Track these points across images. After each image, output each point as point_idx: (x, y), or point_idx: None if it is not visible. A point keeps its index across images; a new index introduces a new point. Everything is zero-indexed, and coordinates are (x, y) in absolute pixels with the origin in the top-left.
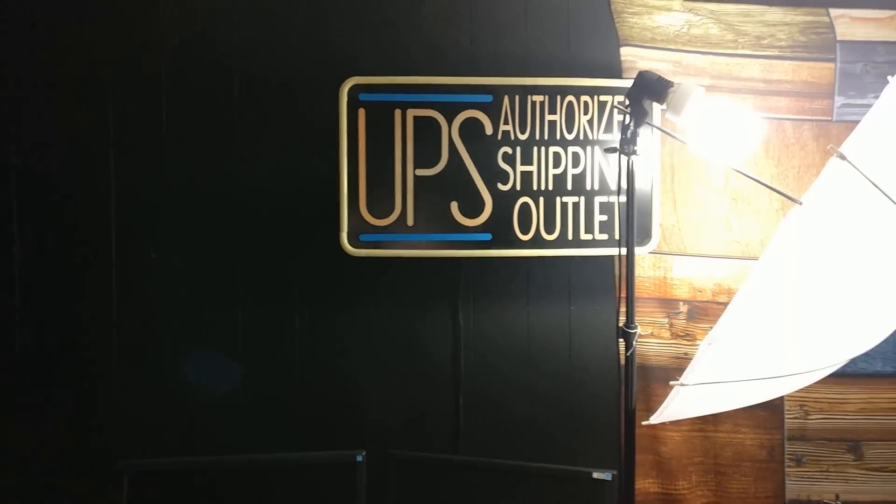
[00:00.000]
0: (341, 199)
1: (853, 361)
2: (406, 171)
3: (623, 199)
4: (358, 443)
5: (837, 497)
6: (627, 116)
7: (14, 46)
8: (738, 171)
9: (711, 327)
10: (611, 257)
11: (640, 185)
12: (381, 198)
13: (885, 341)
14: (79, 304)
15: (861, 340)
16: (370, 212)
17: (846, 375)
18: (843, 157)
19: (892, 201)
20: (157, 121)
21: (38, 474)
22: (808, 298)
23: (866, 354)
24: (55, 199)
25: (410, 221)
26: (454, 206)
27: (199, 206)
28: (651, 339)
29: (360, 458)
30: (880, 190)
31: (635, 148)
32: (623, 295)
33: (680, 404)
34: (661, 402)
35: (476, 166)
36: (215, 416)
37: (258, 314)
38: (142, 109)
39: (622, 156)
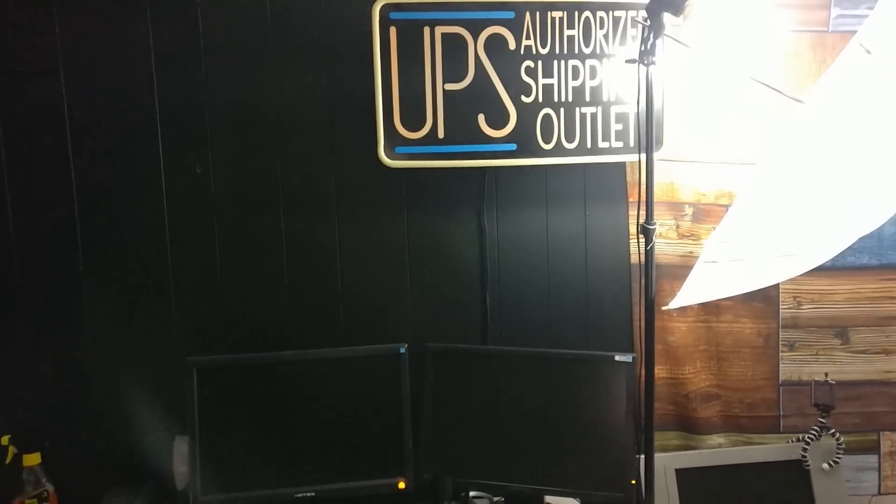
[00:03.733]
0: (377, 114)
1: (842, 255)
2: (436, 86)
3: (641, 107)
4: (397, 338)
5: (826, 375)
6: (646, 29)
7: None
8: (746, 78)
9: (714, 227)
10: (621, 164)
11: (654, 96)
12: (413, 112)
13: (870, 236)
14: (135, 218)
15: (855, 227)
16: (404, 125)
17: (836, 268)
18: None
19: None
20: (195, 37)
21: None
22: (815, 186)
23: (854, 249)
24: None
25: (441, 134)
26: (481, 118)
27: (240, 122)
28: (660, 238)
29: (402, 350)
30: (882, 81)
31: (653, 59)
32: (635, 199)
33: (695, 288)
34: (669, 297)
35: (501, 80)
36: (266, 318)
37: (300, 222)
38: (180, 25)
39: (641, 66)
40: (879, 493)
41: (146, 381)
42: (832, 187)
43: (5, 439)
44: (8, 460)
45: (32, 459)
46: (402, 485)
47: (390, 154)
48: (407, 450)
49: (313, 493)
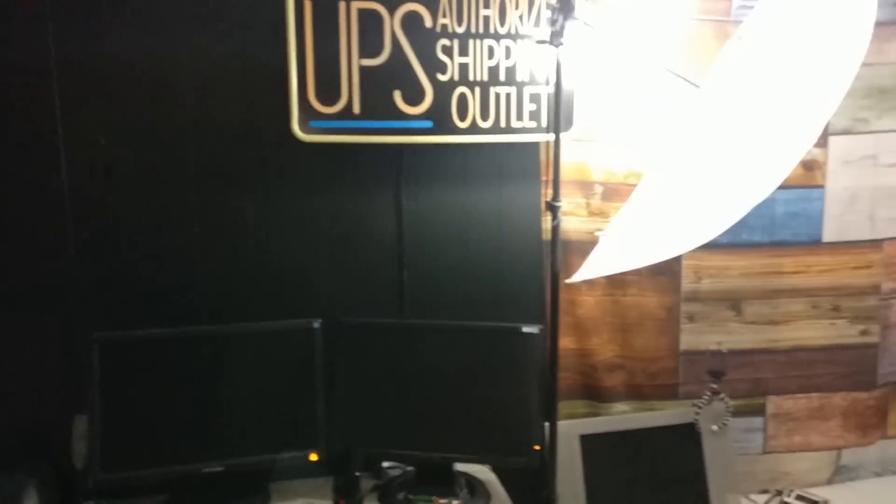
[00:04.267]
0: (291, 88)
1: (738, 233)
2: (352, 62)
3: (551, 88)
4: (314, 314)
5: (720, 344)
6: (556, 11)
7: None
8: (651, 62)
9: (622, 206)
10: (536, 144)
11: (564, 77)
12: (328, 86)
13: (762, 216)
14: (37, 187)
15: (748, 198)
16: (318, 100)
17: (732, 245)
18: (741, 38)
19: (780, 74)
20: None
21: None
22: (708, 165)
23: (748, 227)
24: None
25: (357, 109)
26: (397, 94)
27: (148, 94)
28: (570, 216)
29: (317, 325)
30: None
31: (562, 41)
32: (548, 178)
33: (597, 263)
34: (576, 272)
35: (417, 57)
36: (178, 293)
37: (213, 195)
38: None
39: (551, 47)
40: (764, 453)
41: (39, 357)
42: (724, 165)
43: None
44: None
45: None
46: (314, 457)
47: (304, 128)
48: (320, 422)
49: (222, 468)
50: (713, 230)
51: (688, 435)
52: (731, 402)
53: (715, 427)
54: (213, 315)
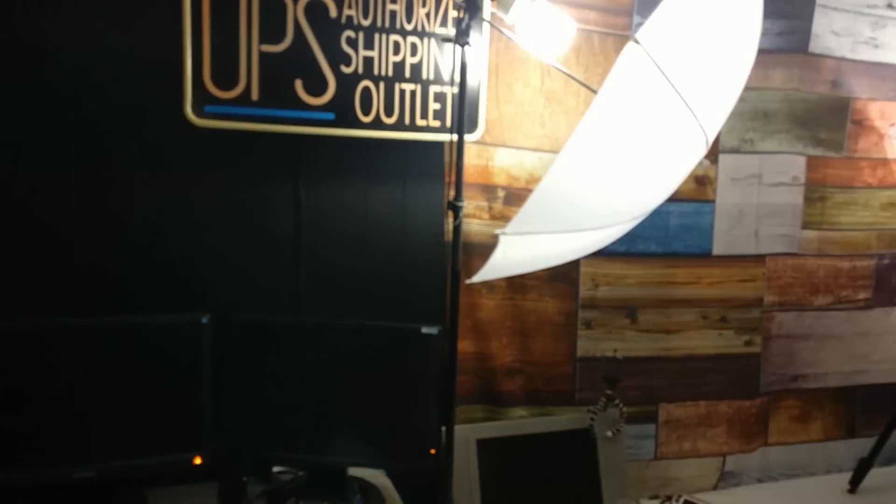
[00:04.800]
0: (185, 70)
1: (634, 243)
2: (251, 46)
3: (455, 88)
4: (203, 308)
5: (616, 351)
6: (463, 9)
7: None
8: (553, 66)
9: None
10: (441, 144)
11: (469, 79)
12: (225, 70)
13: (657, 227)
14: None
15: (641, 206)
16: (215, 84)
17: (629, 254)
18: (637, 42)
19: (672, 84)
20: None
21: None
22: (604, 171)
23: (644, 237)
24: None
25: (255, 96)
26: (299, 83)
27: (29, 74)
28: (473, 219)
29: (205, 321)
30: (663, 74)
31: (468, 40)
32: (451, 179)
33: (496, 264)
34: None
35: (320, 47)
36: (49, 282)
37: (97, 177)
38: None
39: (456, 46)
40: (655, 458)
41: None
42: (621, 173)
43: None
44: None
45: None
46: (197, 460)
47: (198, 112)
48: (205, 424)
49: (94, 473)
50: (608, 237)
51: (583, 440)
52: (625, 409)
53: (609, 433)
54: (93, 307)
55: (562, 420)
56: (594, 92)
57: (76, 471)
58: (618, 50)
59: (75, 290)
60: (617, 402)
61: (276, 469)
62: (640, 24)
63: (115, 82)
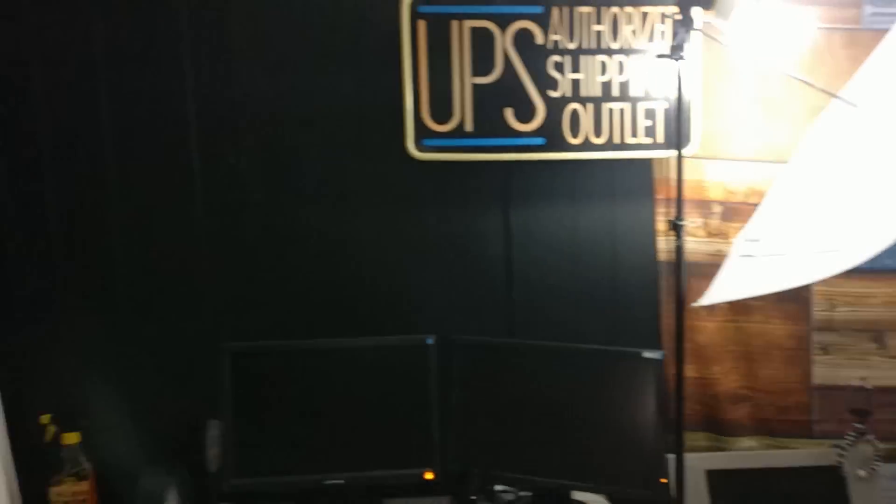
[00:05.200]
0: (405, 107)
1: (879, 258)
2: (464, 80)
3: (671, 104)
4: (424, 331)
5: (863, 379)
6: (677, 24)
7: None
8: (773, 71)
9: (743, 226)
10: (648, 161)
11: (684, 91)
12: (441, 105)
13: None
14: (168, 208)
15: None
16: (432, 118)
17: (873, 271)
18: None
19: None
20: (224, 37)
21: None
22: (847, 184)
23: (892, 252)
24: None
25: (469, 127)
26: (509, 112)
27: (271, 117)
28: (688, 237)
29: (430, 341)
30: None
31: (682, 54)
32: (662, 196)
33: (727, 285)
34: (696, 295)
35: (528, 74)
36: (296, 306)
37: (328, 214)
38: (210, 27)
39: (671, 61)
40: None
41: (179, 365)
42: (870, 186)
43: (46, 418)
44: (48, 438)
45: (71, 438)
46: (429, 475)
47: (419, 146)
48: (434, 441)
49: (342, 481)
50: (856, 257)
51: (829, 478)
52: (881, 445)
53: (862, 472)
54: (328, 329)
55: (803, 454)
56: (832, 95)
57: (328, 477)
58: (846, 46)
59: (313, 315)
60: (869, 436)
61: (499, 488)
62: (874, 15)
63: (344, 122)
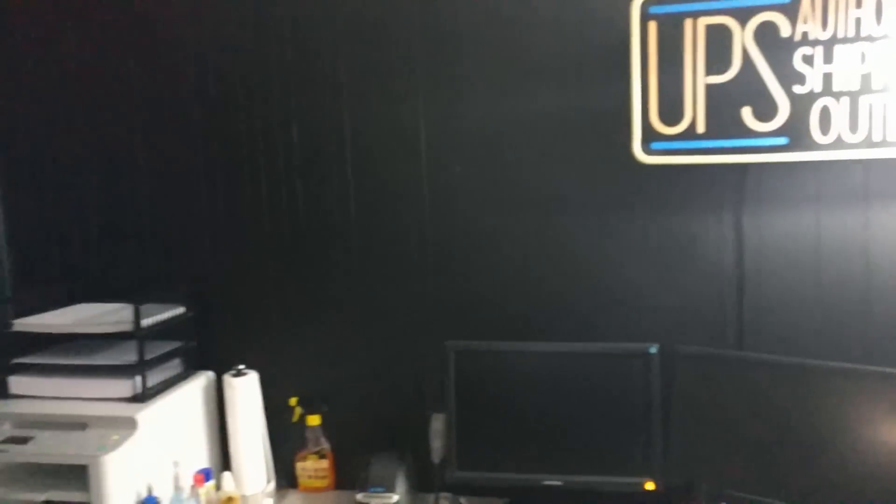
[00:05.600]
0: (632, 110)
1: None
2: (696, 80)
3: None
4: (645, 338)
5: None
6: None
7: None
8: None
9: None
10: None
11: None
12: (671, 107)
13: None
14: (400, 213)
15: None
16: (661, 121)
17: None
18: None
19: None
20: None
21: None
22: None
23: None
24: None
25: (701, 128)
26: (746, 111)
27: (495, 126)
28: None
29: (653, 350)
30: None
31: None
32: None
33: None
34: None
35: (771, 69)
36: (515, 308)
37: (551, 219)
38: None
39: None
40: None
41: (403, 358)
42: None
43: (293, 400)
44: (295, 419)
45: (314, 420)
46: (650, 486)
47: (646, 150)
48: (656, 451)
49: (560, 483)
50: None
51: None
52: None
53: None
54: (547, 333)
55: None
56: None
57: (547, 478)
58: None
59: (537, 317)
60: None
61: None
62: None
63: (564, 133)
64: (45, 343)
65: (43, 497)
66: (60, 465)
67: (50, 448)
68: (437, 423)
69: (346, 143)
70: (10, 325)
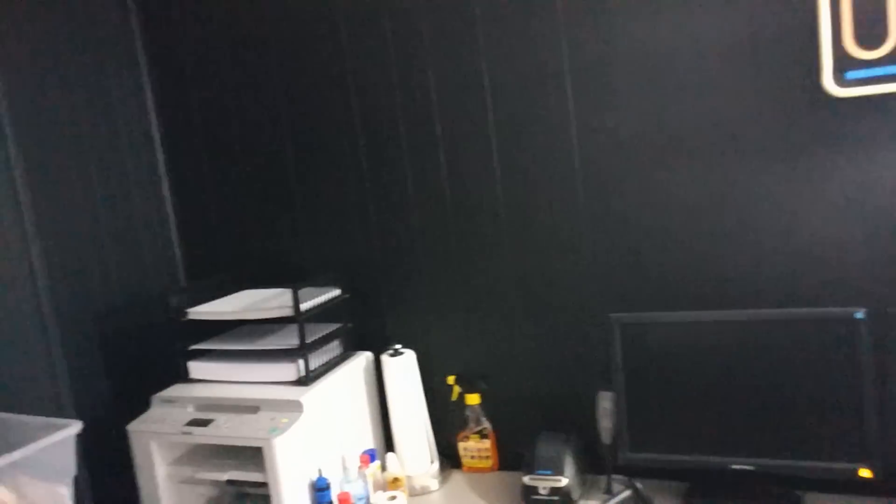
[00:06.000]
0: (820, 30)
1: None
2: None
3: None
4: (849, 302)
5: None
6: None
7: None
8: None
9: None
10: None
11: None
12: (870, 25)
13: None
14: (550, 176)
15: None
16: (858, 43)
17: None
18: None
19: None
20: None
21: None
22: None
23: None
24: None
25: None
26: None
27: (648, 77)
28: None
29: (860, 315)
30: None
31: None
32: None
33: None
34: None
35: None
36: (684, 274)
37: (719, 167)
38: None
39: None
40: None
41: (566, 334)
42: None
43: (451, 379)
44: (453, 398)
45: (473, 399)
46: (865, 473)
47: (839, 80)
48: (871, 431)
49: (752, 467)
50: None
51: None
52: None
53: None
54: (721, 300)
55: None
56: None
57: (735, 462)
58: None
59: (708, 283)
60: None
61: None
62: None
63: (737, 65)
64: (214, 329)
65: (226, 476)
66: (237, 446)
67: (228, 430)
68: (605, 402)
69: (489, 109)
70: (186, 313)
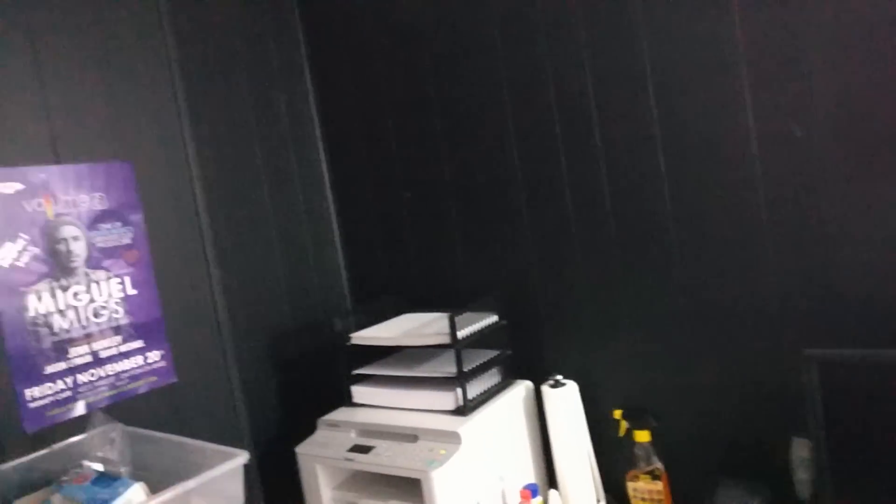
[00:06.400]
0: None
1: None
2: None
3: None
4: None
5: None
6: None
7: None
8: None
9: None
10: None
11: None
12: None
13: None
14: (725, 198)
15: None
16: None
17: None
18: None
19: None
20: None
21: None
22: None
23: None
24: None
25: None
26: None
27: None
28: None
29: None
30: None
31: None
32: None
33: None
34: None
35: None
36: (882, 303)
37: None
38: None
39: None
40: None
41: (751, 370)
42: None
43: (618, 413)
44: (621, 433)
45: (643, 436)
46: None
47: None
48: None
49: None
50: None
51: None
52: None
53: None
54: None
55: None
56: None
57: None
58: None
59: None
60: None
61: None
62: None
63: None
64: (376, 353)
65: None
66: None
67: (388, 460)
68: (801, 450)
69: (654, 123)
70: (349, 338)
